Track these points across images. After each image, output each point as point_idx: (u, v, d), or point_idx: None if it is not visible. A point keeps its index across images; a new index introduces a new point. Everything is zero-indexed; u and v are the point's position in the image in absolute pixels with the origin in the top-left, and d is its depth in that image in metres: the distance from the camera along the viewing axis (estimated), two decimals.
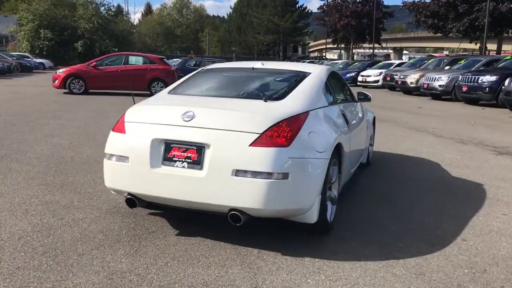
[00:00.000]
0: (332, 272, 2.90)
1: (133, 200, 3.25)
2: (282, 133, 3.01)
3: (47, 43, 43.06)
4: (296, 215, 3.19)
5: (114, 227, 3.50)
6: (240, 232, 3.41)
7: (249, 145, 2.94)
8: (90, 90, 15.27)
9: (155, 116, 3.28)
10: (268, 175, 2.90)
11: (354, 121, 4.48)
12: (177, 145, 3.12)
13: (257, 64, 4.38)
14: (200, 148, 3.04)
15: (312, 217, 3.17)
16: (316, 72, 4.12)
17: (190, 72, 4.51)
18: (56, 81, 15.04)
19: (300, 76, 3.99)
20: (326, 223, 3.41)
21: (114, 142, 3.33)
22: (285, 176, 2.95)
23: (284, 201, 3.00)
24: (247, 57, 60.71)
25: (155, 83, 15.38)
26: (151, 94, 14.77)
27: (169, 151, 3.13)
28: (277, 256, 3.09)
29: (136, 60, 15.62)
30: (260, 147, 2.93)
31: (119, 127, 3.35)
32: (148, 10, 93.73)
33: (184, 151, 3.09)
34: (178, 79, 5.46)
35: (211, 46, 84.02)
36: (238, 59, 59.97)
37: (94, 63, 15.35)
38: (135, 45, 62.25)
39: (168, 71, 15.55)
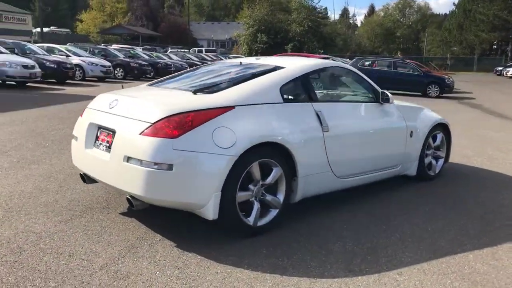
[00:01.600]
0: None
1: (82, 176, 3.74)
2: (173, 125, 3.05)
3: (262, 46, 47.44)
4: (191, 209, 3.19)
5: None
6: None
7: (139, 134, 3.08)
8: None
9: (98, 103, 3.69)
10: (150, 164, 3.00)
11: (346, 123, 4.00)
12: (102, 130, 3.46)
13: (251, 60, 4.36)
14: (113, 134, 3.32)
15: (209, 214, 3.12)
16: (289, 68, 3.88)
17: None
18: None
19: (264, 71, 3.83)
20: (240, 223, 3.26)
21: (75, 125, 3.86)
22: (169, 167, 2.99)
23: (169, 192, 3.05)
24: (466, 58, 54.97)
25: None
26: None
27: (98, 135, 3.50)
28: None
29: None
30: (147, 136, 3.04)
31: (82, 112, 3.87)
32: (371, 11, 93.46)
33: (106, 136, 3.42)
34: None
35: (432, 47, 78.80)
36: (456, 60, 54.80)
37: None
38: (349, 47, 63.10)
39: None
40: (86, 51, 20.54)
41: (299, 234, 3.50)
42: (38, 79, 14.33)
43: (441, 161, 5.38)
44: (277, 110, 3.55)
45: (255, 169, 3.31)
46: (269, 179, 3.43)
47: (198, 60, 28.37)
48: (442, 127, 5.27)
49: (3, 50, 14.33)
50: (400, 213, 4.06)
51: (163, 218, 3.65)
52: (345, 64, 4.80)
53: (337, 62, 4.67)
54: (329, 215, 3.93)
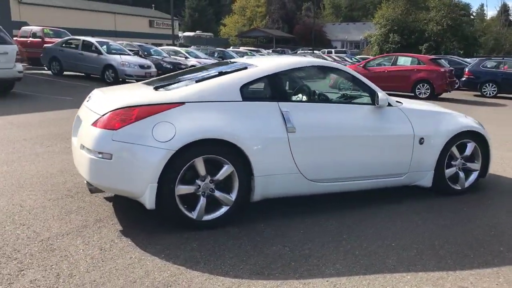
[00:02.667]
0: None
1: None
2: (117, 118, 3.31)
3: (393, 46, 45.38)
4: (132, 197, 3.41)
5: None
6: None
7: (91, 124, 3.41)
8: None
9: (87, 98, 4.11)
10: (95, 152, 3.31)
11: (321, 124, 3.83)
12: (79, 121, 3.88)
13: (239, 59, 4.41)
14: (81, 123, 3.69)
15: (146, 203, 3.31)
16: (259, 67, 3.87)
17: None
18: (331, 81, 16.49)
19: (233, 70, 3.87)
20: (181, 215, 3.40)
21: None
22: (108, 156, 3.26)
23: (110, 179, 3.32)
24: None
25: (420, 85, 14.66)
26: (415, 97, 14.24)
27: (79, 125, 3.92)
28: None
29: (404, 61, 15.24)
30: (95, 127, 3.36)
31: None
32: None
33: (79, 126, 3.82)
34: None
35: None
36: None
37: (364, 63, 15.94)
38: (502, 47, 56.78)
39: (436, 72, 14.47)
40: (206, 53, 22.09)
41: (245, 233, 3.48)
42: (154, 77, 15.91)
43: (474, 175, 4.75)
44: (233, 108, 3.57)
45: (199, 164, 3.39)
46: (218, 176, 3.48)
47: None
48: (476, 136, 4.64)
49: (127, 51, 16.22)
50: (370, 227, 3.73)
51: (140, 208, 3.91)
52: (335, 63, 4.39)
53: (325, 61, 4.43)
54: (294, 219, 3.81)
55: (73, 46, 16.03)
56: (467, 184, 4.72)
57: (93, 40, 15.91)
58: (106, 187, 3.39)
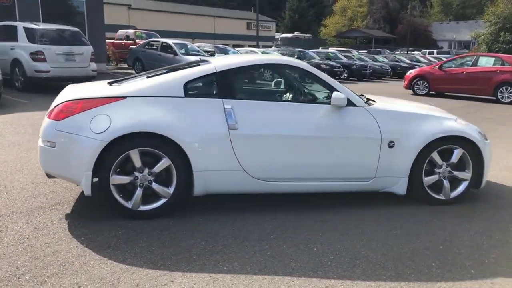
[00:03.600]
0: None
1: None
2: (63, 110, 3.63)
3: (504, 46, 41.44)
4: (75, 184, 3.68)
5: None
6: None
7: (46, 116, 3.75)
8: (432, 92, 14.98)
9: None
10: (43, 141, 3.65)
11: (267, 122, 3.78)
12: None
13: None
14: None
15: (84, 189, 3.57)
16: (211, 65, 3.94)
17: None
18: (405, 81, 15.68)
19: (186, 67, 3.98)
20: (117, 204, 3.60)
21: None
22: (53, 144, 3.59)
23: (54, 166, 3.65)
24: None
25: (503, 88, 13.34)
26: (497, 100, 13.01)
27: None
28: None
29: (486, 62, 13.93)
30: (47, 118, 3.70)
31: None
32: None
33: None
34: None
35: None
36: None
37: (440, 64, 14.88)
38: None
39: None
40: (285, 54, 22.18)
41: (177, 225, 3.57)
42: None
43: (463, 185, 4.30)
44: (174, 103, 3.68)
45: (135, 156, 3.56)
46: (155, 169, 3.62)
47: (407, 63, 26.95)
48: (465, 142, 4.19)
49: (202, 52, 16.97)
50: (311, 231, 3.59)
51: None
52: (295, 60, 4.18)
53: (286, 58, 4.28)
54: (235, 216, 3.81)
55: (154, 47, 17.16)
56: (453, 194, 4.29)
57: (170, 41, 16.90)
58: (52, 173, 3.71)
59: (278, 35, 61.35)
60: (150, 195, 3.68)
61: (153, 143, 3.57)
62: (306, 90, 4.34)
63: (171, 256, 3.06)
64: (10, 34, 11.69)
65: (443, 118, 4.28)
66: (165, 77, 3.84)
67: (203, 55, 16.80)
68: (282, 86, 4.42)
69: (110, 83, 3.97)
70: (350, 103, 4.02)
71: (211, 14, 51.91)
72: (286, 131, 3.82)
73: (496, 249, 3.38)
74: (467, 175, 4.29)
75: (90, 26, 17.81)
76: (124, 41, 21.48)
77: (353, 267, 2.99)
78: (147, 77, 3.94)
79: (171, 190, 3.67)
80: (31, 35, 11.35)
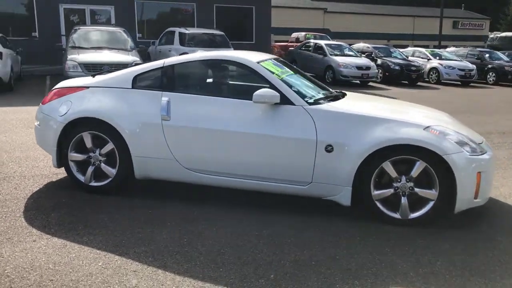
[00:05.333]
0: None
1: None
2: (48, 96, 4.48)
3: None
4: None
5: None
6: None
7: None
8: None
9: None
10: (36, 121, 4.56)
11: (198, 116, 3.91)
12: None
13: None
14: None
15: (52, 162, 4.36)
16: (162, 60, 4.24)
17: None
18: None
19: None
20: (75, 178, 4.28)
21: None
22: (38, 124, 4.48)
23: (40, 142, 4.55)
24: None
25: None
26: None
27: None
28: None
29: None
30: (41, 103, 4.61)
31: None
32: None
33: None
34: None
35: None
36: None
37: None
38: None
39: None
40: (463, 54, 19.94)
41: (120, 206, 4.01)
42: (373, 79, 15.92)
43: (428, 206, 3.58)
44: (122, 94, 4.13)
45: (86, 138, 4.15)
46: (102, 150, 4.15)
47: None
48: (431, 154, 3.50)
49: (350, 53, 16.71)
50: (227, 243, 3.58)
51: None
52: (243, 59, 3.98)
53: (231, 54, 4.10)
54: (170, 212, 4.04)
55: (309, 48, 17.62)
56: (414, 215, 3.62)
57: (323, 43, 17.09)
58: (40, 146, 4.56)
59: (495, 34, 54.40)
60: (100, 174, 4.21)
61: (100, 128, 4.09)
62: (246, 87, 4.23)
63: (93, 234, 3.54)
64: (170, 39, 13.74)
65: (407, 124, 3.64)
66: (123, 71, 4.31)
67: (354, 55, 16.50)
68: (226, 82, 4.39)
69: (93, 76, 4.63)
70: (288, 102, 3.81)
71: (410, 14, 49.37)
72: (217, 126, 3.86)
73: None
74: (432, 194, 3.57)
75: (257, 29, 19.34)
76: (294, 43, 22.47)
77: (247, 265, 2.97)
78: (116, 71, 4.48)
79: (114, 171, 4.14)
80: (182, 39, 13.13)
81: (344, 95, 4.50)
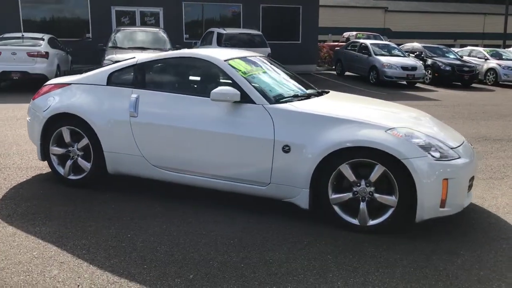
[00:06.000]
0: None
1: None
2: (39, 92, 4.69)
3: None
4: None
5: None
6: None
7: None
8: None
9: None
10: (28, 117, 4.80)
11: (163, 113, 3.94)
12: None
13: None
14: None
15: (37, 155, 4.58)
16: (135, 58, 4.33)
17: None
18: None
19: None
20: (55, 171, 4.48)
21: None
22: (29, 119, 4.73)
23: (30, 135, 4.78)
24: None
25: None
26: None
27: None
28: None
29: None
30: None
31: None
32: None
33: None
34: None
35: None
36: None
37: None
38: None
39: None
40: None
41: (93, 200, 4.14)
42: (419, 80, 15.21)
43: (389, 213, 3.35)
44: (97, 91, 4.24)
45: (65, 133, 4.31)
46: (79, 145, 4.29)
47: None
48: (389, 158, 3.28)
49: (398, 53, 16.06)
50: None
51: None
52: (211, 56, 3.98)
53: (201, 52, 4.02)
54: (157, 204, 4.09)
55: (355, 48, 17.15)
56: (373, 222, 3.41)
57: (368, 42, 16.55)
58: (31, 140, 4.79)
59: None
60: (78, 168, 4.36)
61: (76, 124, 4.23)
62: (213, 85, 4.15)
63: (61, 227, 3.70)
64: (209, 39, 13.93)
65: (369, 125, 3.43)
66: (102, 68, 4.42)
67: (402, 55, 15.84)
68: (193, 80, 4.32)
69: (81, 73, 4.79)
70: (250, 100, 3.72)
71: (480, 11, 46.56)
72: (180, 123, 3.85)
73: None
74: (392, 200, 3.34)
75: (304, 29, 19.12)
76: (342, 43, 21.98)
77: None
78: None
79: (89, 165, 4.26)
80: (219, 39, 13.28)
81: (322, 93, 4.36)
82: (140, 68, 4.19)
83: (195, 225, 3.53)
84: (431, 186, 3.25)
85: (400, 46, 18.27)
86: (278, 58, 18.60)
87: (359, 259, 3.03)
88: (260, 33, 13.76)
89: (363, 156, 3.36)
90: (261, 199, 3.85)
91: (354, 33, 23.12)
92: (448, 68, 15.80)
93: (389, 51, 16.30)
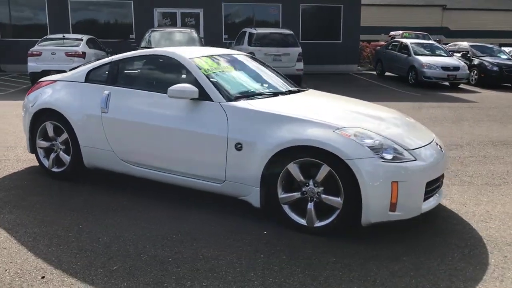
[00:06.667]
0: None
1: None
2: (31, 88, 4.97)
3: None
4: None
5: None
6: None
7: None
8: None
9: None
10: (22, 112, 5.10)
11: (129, 109, 4.06)
12: None
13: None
14: None
15: (27, 147, 4.86)
16: (112, 56, 4.45)
17: None
18: None
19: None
20: (41, 163, 4.73)
21: None
22: (22, 114, 5.01)
23: (24, 130, 5.03)
24: None
25: None
26: None
27: None
28: None
29: None
30: None
31: None
32: None
33: None
34: None
35: None
36: None
37: None
38: None
39: None
40: None
41: (72, 195, 4.34)
42: (462, 81, 14.47)
43: (335, 214, 3.25)
44: (76, 87, 4.43)
45: (48, 127, 4.54)
46: (59, 139, 4.50)
47: None
48: (335, 157, 3.18)
49: (441, 52, 15.38)
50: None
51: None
52: (176, 54, 4.04)
53: (170, 50, 4.03)
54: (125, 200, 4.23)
55: (395, 48, 16.60)
56: (320, 224, 3.31)
57: (409, 42, 15.95)
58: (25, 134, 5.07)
59: None
60: (60, 161, 4.57)
61: (57, 119, 4.44)
62: (177, 82, 4.16)
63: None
64: (242, 39, 14.05)
65: (318, 124, 3.34)
66: (83, 66, 4.61)
67: (445, 55, 15.15)
68: (160, 77, 4.35)
69: (69, 70, 5.00)
70: (208, 98, 3.74)
71: None
72: (144, 119, 3.94)
73: None
74: (338, 202, 3.23)
75: (345, 28, 18.78)
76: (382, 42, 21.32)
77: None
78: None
79: (69, 159, 4.46)
80: (250, 38, 13.35)
81: (299, 92, 4.34)
82: (114, 66, 4.33)
83: (147, 220, 3.59)
84: (377, 189, 3.11)
85: (446, 46, 17.49)
86: (317, 58, 18.49)
87: (291, 260, 2.96)
88: (291, 32, 13.66)
89: (310, 155, 3.27)
90: (221, 197, 3.85)
91: (400, 32, 22.35)
92: (495, 68, 14.91)
93: (431, 51, 15.62)
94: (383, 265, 2.92)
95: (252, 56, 4.94)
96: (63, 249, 3.06)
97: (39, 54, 11.95)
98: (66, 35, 13.08)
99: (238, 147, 3.51)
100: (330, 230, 3.29)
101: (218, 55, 4.37)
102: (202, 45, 12.53)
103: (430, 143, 3.60)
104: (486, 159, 5.65)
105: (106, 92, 4.21)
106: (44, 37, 13.08)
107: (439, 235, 3.39)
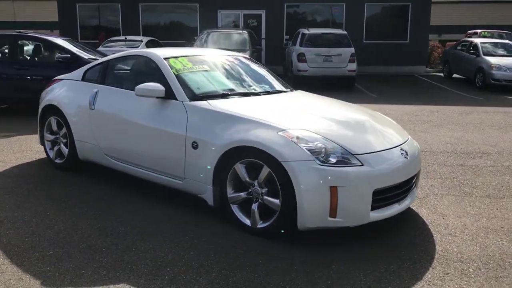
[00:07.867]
0: None
1: None
2: (49, 84, 5.41)
3: None
4: None
5: None
6: None
7: None
8: None
9: None
10: None
11: (110, 106, 4.32)
12: None
13: None
14: None
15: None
16: (106, 57, 4.73)
17: None
18: None
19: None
20: (47, 153, 5.15)
21: None
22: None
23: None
24: None
25: None
26: None
27: None
28: None
29: None
30: None
31: None
32: None
33: None
34: None
35: None
36: None
37: None
38: None
39: None
40: None
41: (67, 194, 4.69)
42: None
43: (274, 216, 3.19)
44: (74, 85, 4.77)
45: (52, 122, 4.93)
46: (60, 133, 4.87)
47: None
48: (270, 159, 3.14)
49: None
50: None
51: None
52: (152, 54, 4.15)
53: (147, 51, 4.12)
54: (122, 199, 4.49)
55: (464, 48, 15.54)
56: (262, 225, 3.27)
57: (478, 41, 14.83)
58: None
59: None
60: (61, 153, 4.94)
61: (59, 114, 4.81)
62: (152, 81, 4.26)
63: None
64: (295, 40, 14.01)
65: (265, 125, 3.30)
66: (81, 68, 4.93)
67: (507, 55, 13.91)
68: (138, 76, 4.45)
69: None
70: (174, 97, 3.85)
71: None
72: (120, 116, 4.18)
73: None
74: (276, 204, 3.17)
75: (412, 28, 17.93)
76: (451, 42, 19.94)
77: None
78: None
79: (66, 151, 4.81)
80: (302, 39, 13.26)
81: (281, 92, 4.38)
82: (105, 65, 4.60)
83: (110, 212, 3.76)
84: (313, 192, 3.02)
85: None
86: (381, 59, 17.83)
87: (232, 260, 2.96)
88: (344, 32, 13.35)
89: (253, 156, 3.25)
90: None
91: (479, 30, 20.80)
92: None
93: (507, 51, 14.41)
94: (307, 271, 2.82)
95: (247, 57, 4.97)
96: (20, 234, 3.32)
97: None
98: (128, 37, 13.90)
99: (194, 145, 3.57)
100: (272, 232, 3.24)
101: (201, 56, 4.46)
102: (254, 45, 12.69)
103: (391, 148, 3.41)
104: (507, 170, 5.16)
105: (95, 90, 4.48)
106: (109, 39, 14.02)
107: (390, 246, 3.19)
